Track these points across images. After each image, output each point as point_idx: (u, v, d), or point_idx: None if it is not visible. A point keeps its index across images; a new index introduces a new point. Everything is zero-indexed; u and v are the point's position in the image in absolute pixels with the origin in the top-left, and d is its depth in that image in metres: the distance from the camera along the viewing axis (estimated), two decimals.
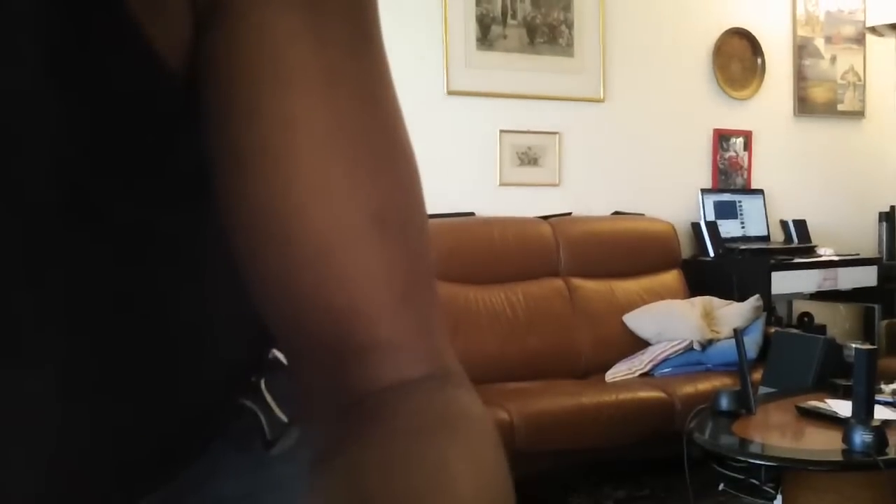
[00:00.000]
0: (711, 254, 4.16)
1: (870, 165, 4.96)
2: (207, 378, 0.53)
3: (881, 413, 2.55)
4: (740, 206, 4.44)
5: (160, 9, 0.38)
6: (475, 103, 3.90)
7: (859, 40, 4.89)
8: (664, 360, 3.62)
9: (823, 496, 2.53)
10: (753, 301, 3.77)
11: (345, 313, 0.40)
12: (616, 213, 4.17)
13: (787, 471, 2.61)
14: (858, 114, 4.96)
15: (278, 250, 0.40)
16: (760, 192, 4.52)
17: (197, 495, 0.55)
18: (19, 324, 0.41)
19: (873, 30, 4.63)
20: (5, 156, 0.36)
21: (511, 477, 0.38)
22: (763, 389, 3.12)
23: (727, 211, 4.39)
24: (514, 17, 3.95)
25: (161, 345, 0.48)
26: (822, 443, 2.55)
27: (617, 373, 3.60)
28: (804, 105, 4.76)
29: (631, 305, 3.85)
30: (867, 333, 4.42)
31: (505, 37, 3.93)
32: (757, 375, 3.22)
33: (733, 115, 4.53)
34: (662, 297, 3.90)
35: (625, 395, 3.28)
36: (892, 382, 2.86)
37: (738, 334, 2.85)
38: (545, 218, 3.94)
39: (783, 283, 3.99)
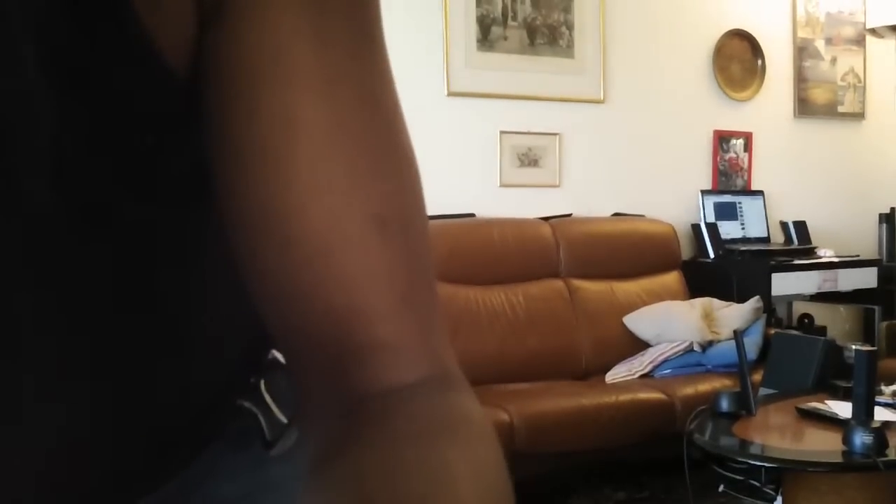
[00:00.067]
0: (711, 255, 4.16)
1: (870, 167, 4.96)
2: (207, 378, 0.53)
3: (881, 414, 2.55)
4: (740, 207, 4.44)
5: (163, 8, 0.38)
6: (475, 104, 3.90)
7: (859, 42, 4.89)
8: (664, 362, 3.62)
9: (823, 497, 2.53)
10: (753, 302, 3.77)
11: (344, 314, 0.40)
12: (616, 214, 4.17)
13: (787, 472, 2.61)
14: (858, 115, 4.96)
15: (278, 250, 0.40)
16: (760, 193, 4.52)
17: (196, 495, 0.55)
18: (19, 324, 0.41)
19: (873, 31, 4.63)
20: (5, 156, 0.36)
21: (511, 479, 0.38)
22: (763, 391, 3.12)
23: (727, 212, 4.39)
24: (514, 18, 3.95)
25: (161, 345, 0.48)
26: (822, 444, 2.55)
27: (617, 374, 3.60)
28: (804, 106, 4.76)
29: (631, 307, 3.85)
30: (867, 335, 4.42)
31: (505, 38, 3.94)
32: (757, 377, 3.22)
33: (733, 117, 4.53)
34: (662, 299, 3.90)
35: (625, 397, 3.28)
36: (892, 384, 2.86)
37: (738, 336, 2.85)
38: (545, 219, 3.95)
39: (783, 284, 3.99)
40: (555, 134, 4.06)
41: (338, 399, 0.41)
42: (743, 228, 4.41)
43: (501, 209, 3.89)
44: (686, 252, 4.23)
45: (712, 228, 4.23)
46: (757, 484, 3.04)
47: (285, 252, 0.40)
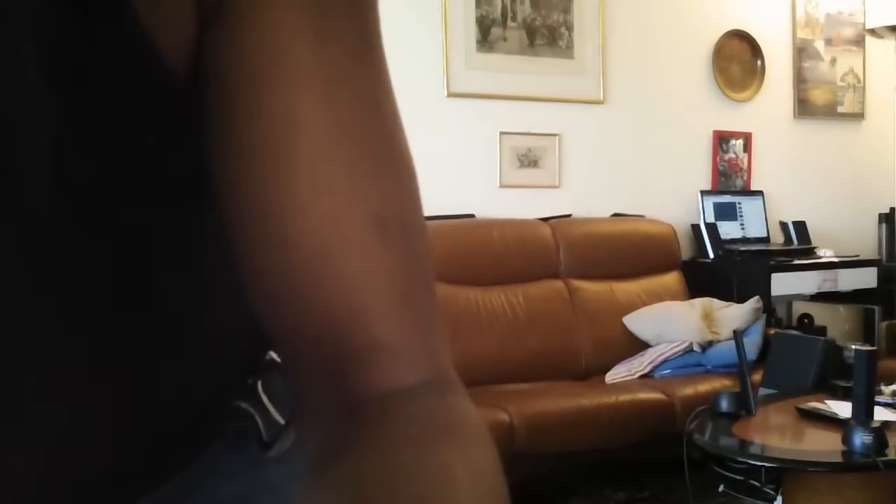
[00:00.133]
0: (711, 255, 4.17)
1: (869, 167, 4.96)
2: (207, 379, 0.53)
3: (881, 414, 2.55)
4: (740, 207, 4.44)
5: (163, 8, 0.38)
6: (475, 105, 3.90)
7: (859, 42, 4.89)
8: (664, 362, 3.62)
9: (823, 497, 2.53)
10: (753, 302, 3.77)
11: (342, 315, 0.40)
12: (616, 214, 4.17)
13: (787, 472, 2.61)
14: (858, 115, 4.96)
15: (276, 250, 0.40)
16: (760, 193, 4.52)
17: (194, 496, 0.55)
18: (19, 324, 0.41)
19: (873, 32, 4.63)
20: (5, 156, 0.36)
21: (511, 480, 0.38)
22: (763, 391, 3.12)
23: (727, 212, 4.39)
24: (513, 19, 3.95)
25: (161, 345, 0.48)
26: (821, 444, 2.55)
27: (617, 374, 3.60)
28: (804, 107, 4.76)
29: (631, 307, 3.85)
30: (867, 335, 4.42)
31: (505, 39, 3.94)
32: (757, 377, 3.22)
33: (733, 117, 4.53)
34: (662, 299, 3.90)
35: (625, 397, 3.28)
36: (891, 384, 2.86)
37: (737, 336, 2.85)
38: (545, 219, 3.95)
39: (783, 284, 3.99)
40: (554, 135, 4.06)
41: (336, 401, 0.41)
42: (743, 229, 4.41)
43: (501, 210, 3.89)
44: (686, 252, 4.24)
45: (712, 229, 4.23)
46: (757, 484, 3.04)
47: (284, 252, 0.40)
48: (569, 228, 3.93)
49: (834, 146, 4.89)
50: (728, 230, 4.33)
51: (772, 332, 3.64)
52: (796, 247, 4.40)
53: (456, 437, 0.38)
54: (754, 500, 3.05)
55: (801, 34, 4.73)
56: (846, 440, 2.32)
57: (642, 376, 3.58)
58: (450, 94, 3.84)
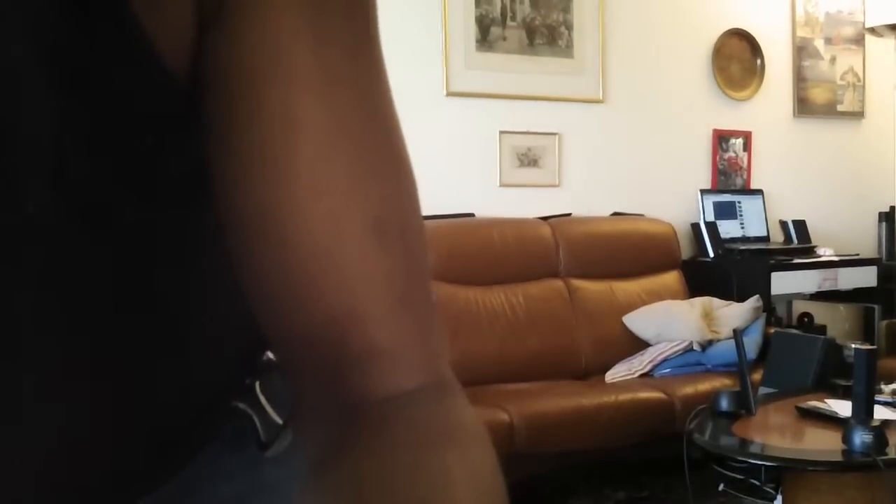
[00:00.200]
0: (711, 254, 4.17)
1: (869, 166, 4.96)
2: (206, 379, 0.53)
3: (881, 413, 2.55)
4: (740, 206, 4.44)
5: (162, 10, 0.38)
6: (475, 104, 3.90)
7: (858, 41, 4.89)
8: (664, 361, 3.62)
9: (823, 496, 2.53)
10: (753, 301, 3.77)
11: (341, 317, 0.40)
12: (616, 213, 4.17)
13: (787, 471, 2.61)
14: (858, 114, 4.96)
15: (275, 250, 0.40)
16: (760, 192, 4.53)
17: (193, 496, 0.55)
18: (19, 324, 0.41)
19: (872, 30, 4.63)
20: (5, 156, 0.36)
21: (510, 480, 0.38)
22: (763, 390, 3.12)
23: (727, 211, 4.39)
24: (513, 18, 3.95)
25: (161, 345, 0.48)
26: (821, 443, 2.55)
27: (617, 373, 3.60)
28: (804, 106, 4.76)
29: (631, 306, 3.85)
30: (867, 334, 4.42)
31: (504, 38, 3.94)
32: (757, 376, 3.22)
33: (733, 116, 4.53)
34: (662, 298, 3.90)
35: (625, 396, 3.28)
36: (891, 383, 2.86)
37: (737, 335, 2.85)
38: (545, 219, 3.95)
39: (783, 283, 3.99)
40: (554, 134, 4.06)
41: (334, 403, 0.41)
42: (742, 228, 4.41)
43: (501, 209, 3.89)
44: (686, 251, 4.24)
45: (712, 228, 4.23)
46: (757, 483, 3.04)
47: (282, 252, 0.40)
48: (569, 228, 3.93)
49: (834, 145, 4.89)
50: (728, 229, 4.33)
51: (772, 331, 3.64)
52: (796, 246, 4.40)
53: (455, 440, 0.38)
54: (754, 499, 3.05)
55: (800, 33, 4.73)
56: (846, 439, 2.32)
57: (642, 375, 3.58)
58: (449, 94, 3.84)
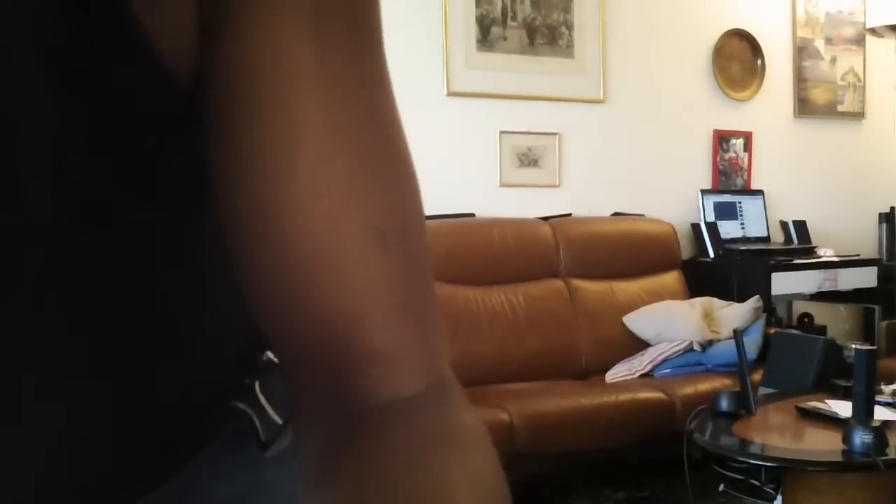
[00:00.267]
0: (711, 255, 4.17)
1: (870, 166, 4.96)
2: (206, 378, 0.54)
3: (881, 414, 2.55)
4: (740, 206, 4.44)
5: (163, 10, 0.38)
6: (475, 104, 3.90)
7: (859, 41, 4.89)
8: (664, 361, 3.62)
9: (823, 497, 2.53)
10: (753, 302, 3.78)
11: (341, 320, 0.40)
12: (616, 213, 4.17)
13: (787, 471, 2.61)
14: (858, 115, 4.96)
15: (274, 250, 0.40)
16: (760, 192, 4.53)
17: (193, 497, 0.55)
18: (19, 324, 0.41)
19: (873, 31, 4.63)
20: (5, 156, 0.36)
21: (511, 480, 0.38)
22: (763, 390, 3.12)
23: (727, 212, 4.39)
24: (514, 18, 3.95)
25: (161, 345, 0.48)
26: (822, 443, 2.55)
27: (617, 373, 3.60)
28: (804, 106, 4.76)
29: (631, 306, 3.85)
30: (867, 334, 4.42)
31: (505, 38, 3.94)
32: (757, 376, 3.22)
33: (733, 116, 4.53)
34: (662, 298, 3.90)
35: (625, 396, 3.28)
36: (891, 383, 2.86)
37: (737, 335, 2.85)
38: (545, 219, 3.95)
39: (783, 283, 3.99)
40: (554, 134, 4.06)
41: (335, 405, 0.41)
42: (743, 228, 4.41)
43: (501, 209, 3.89)
44: (686, 252, 4.24)
45: (712, 228, 4.23)
46: (757, 483, 3.04)
47: (282, 252, 0.40)
48: (569, 228, 3.93)
49: (834, 145, 4.89)
50: (728, 229, 4.33)
51: (772, 331, 3.64)
52: (796, 246, 4.40)
53: (457, 446, 0.38)
54: (754, 499, 3.05)
55: (801, 33, 4.73)
56: (846, 440, 2.32)
57: (642, 375, 3.58)
58: (450, 94, 3.84)
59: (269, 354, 0.57)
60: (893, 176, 4.92)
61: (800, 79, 4.75)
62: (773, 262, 4.03)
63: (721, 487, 3.09)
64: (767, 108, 4.64)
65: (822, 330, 4.09)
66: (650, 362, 3.62)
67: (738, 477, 3.05)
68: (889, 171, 4.95)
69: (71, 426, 0.45)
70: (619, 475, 3.34)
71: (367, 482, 0.35)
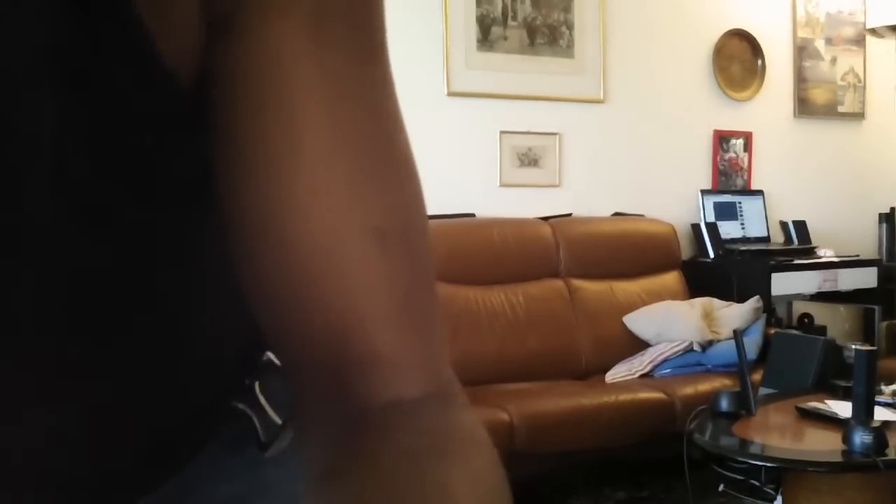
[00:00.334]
0: (711, 255, 4.17)
1: (870, 167, 4.96)
2: (206, 379, 0.53)
3: (881, 414, 2.55)
4: (740, 207, 4.44)
5: (167, 11, 0.38)
6: (475, 104, 3.90)
7: (859, 42, 4.89)
8: (664, 361, 3.62)
9: (823, 497, 2.53)
10: (753, 302, 3.77)
11: (341, 321, 0.40)
12: (616, 214, 4.17)
13: (787, 472, 2.61)
14: (858, 115, 4.96)
15: (275, 250, 0.40)
16: (760, 193, 4.53)
17: (193, 497, 0.55)
18: (19, 324, 0.41)
19: (873, 31, 4.63)
20: (5, 156, 0.36)
21: (511, 480, 0.38)
22: (763, 390, 3.12)
23: (727, 212, 4.39)
24: (514, 18, 3.95)
25: (161, 345, 0.48)
26: (822, 444, 2.55)
27: (617, 374, 3.60)
28: (804, 106, 4.76)
29: (631, 306, 3.85)
30: (867, 334, 4.42)
31: (505, 38, 3.94)
32: (757, 376, 3.22)
33: (733, 117, 4.53)
34: (662, 298, 3.90)
35: (625, 396, 3.28)
36: (891, 383, 2.86)
37: (737, 335, 2.85)
38: (545, 219, 3.95)
39: (783, 284, 3.99)
40: (555, 134, 4.06)
41: (336, 406, 0.41)
42: (743, 228, 4.41)
43: (501, 209, 3.89)
44: (686, 252, 4.24)
45: (712, 228, 4.23)
46: (757, 484, 3.04)
47: (282, 252, 0.40)
48: (569, 228, 3.93)
49: (834, 146, 4.89)
50: (728, 230, 4.33)
51: (772, 331, 3.64)
52: (796, 246, 4.40)
53: (457, 447, 0.38)
54: (754, 499, 3.05)
55: (801, 33, 4.73)
56: (846, 440, 2.32)
57: (642, 376, 3.58)
58: (450, 93, 3.84)
59: (269, 355, 0.57)
60: (893, 176, 4.92)
61: (800, 79, 4.75)
62: (773, 262, 4.03)
63: (721, 487, 3.09)
64: (767, 109, 4.64)
65: (822, 330, 4.09)
66: (650, 362, 3.62)
67: (738, 477, 3.05)
68: (889, 171, 4.95)
69: (71, 426, 0.45)
70: (619, 475, 3.34)
71: (368, 483, 0.35)
